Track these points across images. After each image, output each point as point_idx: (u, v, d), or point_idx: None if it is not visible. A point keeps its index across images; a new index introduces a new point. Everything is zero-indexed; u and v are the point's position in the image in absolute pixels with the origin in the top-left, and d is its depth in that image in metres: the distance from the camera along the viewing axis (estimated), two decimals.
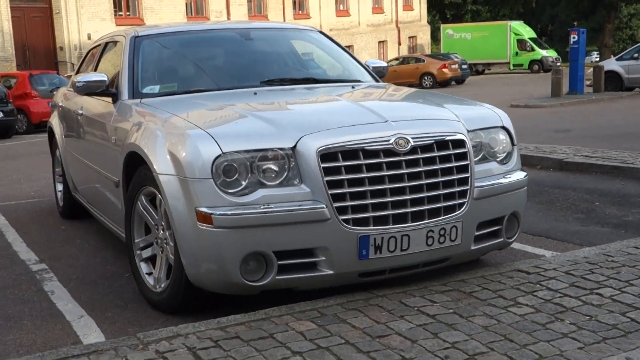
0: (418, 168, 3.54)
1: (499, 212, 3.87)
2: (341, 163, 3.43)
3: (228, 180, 3.40)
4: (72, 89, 6.25)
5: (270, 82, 4.71)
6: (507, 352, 2.85)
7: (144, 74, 4.70)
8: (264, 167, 3.43)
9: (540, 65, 41.02)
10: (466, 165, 3.68)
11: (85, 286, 4.48)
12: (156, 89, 4.62)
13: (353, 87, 4.67)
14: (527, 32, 42.40)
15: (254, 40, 5.16)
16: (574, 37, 21.41)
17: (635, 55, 22.25)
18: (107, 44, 5.63)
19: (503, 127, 4.03)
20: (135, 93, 4.55)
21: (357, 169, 3.44)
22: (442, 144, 3.63)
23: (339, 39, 39.65)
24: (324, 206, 3.37)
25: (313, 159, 3.40)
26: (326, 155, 3.41)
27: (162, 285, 3.87)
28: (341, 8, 40.98)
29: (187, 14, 32.09)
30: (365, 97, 4.47)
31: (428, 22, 49.45)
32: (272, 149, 3.43)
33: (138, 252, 4.10)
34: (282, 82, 4.74)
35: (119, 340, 3.13)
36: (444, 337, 3.01)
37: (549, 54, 42.09)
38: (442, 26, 44.46)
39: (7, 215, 6.93)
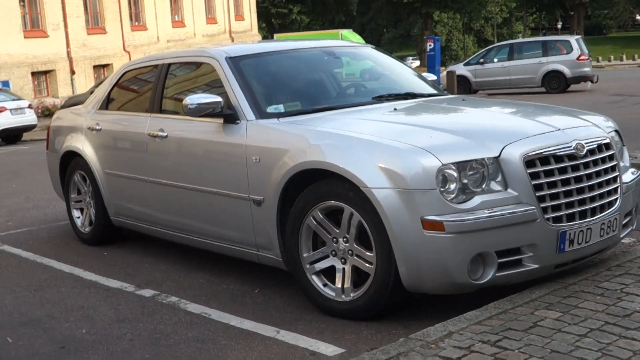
0: (590, 170, 4.04)
1: (632, 204, 4.46)
2: (540, 168, 3.86)
3: (442, 189, 3.72)
4: (102, 110, 6.16)
5: (380, 98, 5.02)
6: None
7: (261, 94, 4.83)
8: (470, 175, 3.78)
9: None
10: (615, 165, 4.24)
11: (231, 305, 4.54)
12: (281, 108, 4.76)
13: (464, 100, 5.09)
14: (357, 40, 44.28)
15: (341, 58, 5.42)
16: (430, 45, 22.97)
17: (481, 60, 24.20)
18: (169, 65, 5.62)
19: (616, 130, 4.63)
20: (261, 113, 4.67)
21: (551, 173, 3.89)
22: (600, 147, 4.16)
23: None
24: (534, 208, 3.79)
25: (519, 166, 3.80)
26: (529, 161, 3.83)
27: (352, 295, 4.07)
28: (177, 19, 40.65)
29: (23, 28, 30.45)
30: (501, 108, 4.90)
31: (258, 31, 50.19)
32: (479, 159, 3.79)
33: (308, 266, 4.26)
34: (389, 97, 5.06)
35: (402, 342, 3.36)
36: None
37: None
38: (275, 35, 45.28)
39: (22, 245, 6.62)
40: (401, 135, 4.01)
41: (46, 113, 28.41)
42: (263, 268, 4.99)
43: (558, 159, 3.93)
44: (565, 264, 4.02)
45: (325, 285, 4.22)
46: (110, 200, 6.07)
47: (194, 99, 4.71)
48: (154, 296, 4.84)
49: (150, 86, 5.74)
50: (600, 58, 50.72)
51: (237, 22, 46.69)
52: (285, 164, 4.26)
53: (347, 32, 44.60)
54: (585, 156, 4.02)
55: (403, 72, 5.65)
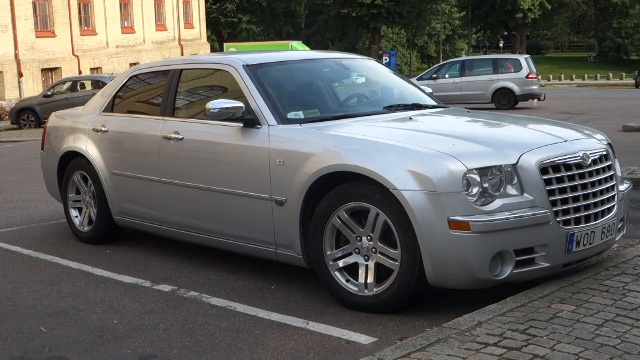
0: (594, 178, 4.43)
1: (624, 211, 4.88)
2: (552, 175, 4.24)
3: (466, 192, 4.06)
4: (107, 113, 6.33)
5: (390, 107, 5.34)
6: None
7: (279, 100, 5.09)
8: (490, 179, 4.13)
9: None
10: (613, 175, 4.65)
11: (252, 299, 4.77)
12: (300, 114, 5.04)
13: (468, 112, 5.45)
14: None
15: (349, 69, 5.73)
16: (386, 59, 23.50)
17: (434, 75, 24.84)
18: (182, 70, 5.82)
19: (609, 143, 5.04)
20: (282, 119, 4.94)
21: (561, 179, 4.27)
22: (601, 158, 4.56)
23: (126, 56, 39.16)
24: (548, 211, 4.16)
25: (535, 172, 4.17)
26: (543, 169, 4.20)
27: (375, 290, 4.37)
28: (126, 25, 40.37)
29: None
30: (505, 119, 5.26)
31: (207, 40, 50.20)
32: (499, 165, 4.14)
33: (331, 263, 4.54)
34: (399, 107, 5.38)
35: (438, 330, 3.67)
36: None
37: None
38: (225, 44, 45.33)
39: (18, 243, 6.69)
40: (425, 141, 4.34)
41: None
42: (273, 265, 5.25)
43: (567, 167, 4.31)
44: (571, 263, 4.40)
45: (348, 280, 4.50)
46: (114, 200, 6.22)
47: (216, 104, 4.95)
48: (173, 291, 5.04)
49: (161, 90, 5.93)
50: (539, 77, 52.20)
51: (186, 30, 46.63)
52: (312, 167, 4.53)
53: (297, 44, 45.04)
54: (589, 165, 4.41)
55: (405, 84, 5.99)
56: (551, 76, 51.38)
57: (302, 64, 5.68)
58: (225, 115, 4.95)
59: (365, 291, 4.41)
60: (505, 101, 23.49)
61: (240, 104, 4.97)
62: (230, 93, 5.32)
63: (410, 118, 5.01)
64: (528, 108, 23.50)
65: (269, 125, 4.91)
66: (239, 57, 5.51)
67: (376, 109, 5.33)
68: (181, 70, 5.85)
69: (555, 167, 4.27)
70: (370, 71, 5.96)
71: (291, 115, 5.01)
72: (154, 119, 5.83)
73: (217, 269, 5.52)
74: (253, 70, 5.27)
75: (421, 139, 4.43)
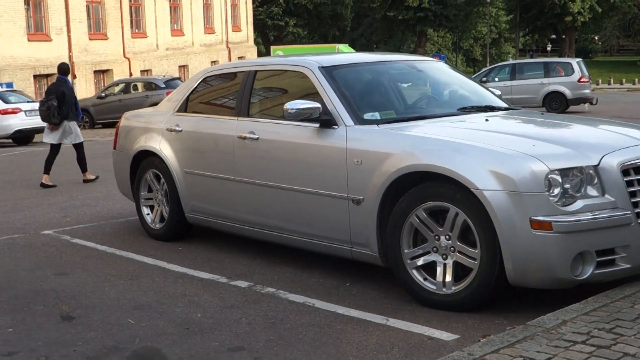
0: None
1: None
2: (634, 177, 4.26)
3: (547, 193, 4.10)
4: (180, 113, 6.48)
5: (464, 109, 5.40)
6: None
7: (355, 101, 5.18)
8: (571, 180, 4.16)
9: None
10: None
11: (329, 296, 4.88)
12: (377, 115, 5.13)
13: (542, 114, 5.49)
14: None
15: (422, 71, 5.81)
16: None
17: (484, 79, 24.70)
18: (256, 72, 5.95)
19: None
20: (358, 119, 5.03)
21: None
22: None
23: (175, 58, 39.71)
24: (630, 212, 4.18)
25: (617, 174, 4.20)
26: (625, 170, 4.23)
27: (453, 288, 4.43)
28: (175, 27, 40.93)
29: (27, 31, 30.61)
30: (580, 122, 5.30)
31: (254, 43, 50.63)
32: (580, 167, 4.18)
33: (409, 261, 4.61)
34: (472, 109, 5.44)
35: (524, 328, 3.72)
36: None
37: None
38: (272, 47, 45.73)
39: (92, 239, 6.89)
40: (505, 142, 4.40)
41: None
42: (344, 263, 5.34)
43: None
44: None
45: (425, 279, 4.57)
46: (187, 198, 6.37)
47: (293, 105, 5.07)
48: (250, 287, 5.16)
49: (235, 91, 6.07)
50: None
51: (234, 32, 47.10)
52: (390, 167, 4.61)
53: (343, 46, 45.23)
54: None
55: (476, 86, 6.04)
56: (600, 80, 50.59)
57: (376, 66, 5.77)
58: (302, 116, 5.07)
59: (444, 289, 4.48)
60: (556, 105, 23.26)
61: (318, 105, 5.08)
62: (305, 94, 5.42)
63: (487, 119, 5.07)
64: (580, 112, 23.22)
65: (345, 125, 5.01)
66: (313, 58, 5.62)
67: (450, 111, 5.39)
68: (256, 71, 5.98)
69: (637, 169, 4.29)
70: (441, 73, 6.03)
71: (367, 116, 5.10)
72: (229, 119, 5.96)
73: (290, 266, 5.63)
74: (329, 71, 5.38)
75: (501, 139, 4.49)
